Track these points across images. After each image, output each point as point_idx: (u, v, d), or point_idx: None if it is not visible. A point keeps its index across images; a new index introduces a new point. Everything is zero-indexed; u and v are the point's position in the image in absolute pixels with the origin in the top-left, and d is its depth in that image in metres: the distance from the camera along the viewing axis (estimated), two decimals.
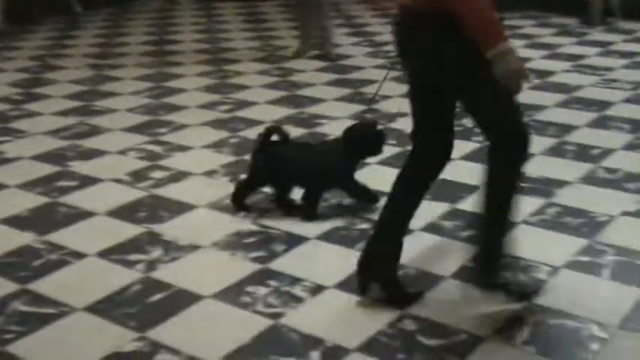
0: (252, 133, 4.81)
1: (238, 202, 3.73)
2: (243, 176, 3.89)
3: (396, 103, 5.32)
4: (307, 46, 6.64)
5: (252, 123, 5.01)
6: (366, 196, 3.68)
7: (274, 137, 3.65)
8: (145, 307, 2.93)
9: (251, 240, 3.46)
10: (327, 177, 3.62)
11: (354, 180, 3.65)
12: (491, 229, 2.77)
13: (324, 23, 6.51)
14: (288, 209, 3.70)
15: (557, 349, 2.63)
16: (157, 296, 3.01)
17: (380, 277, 2.90)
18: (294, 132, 4.82)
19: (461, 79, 2.59)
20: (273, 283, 3.09)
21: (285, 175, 3.65)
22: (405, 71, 2.83)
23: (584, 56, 6.49)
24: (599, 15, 7.54)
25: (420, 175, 2.88)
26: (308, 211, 3.63)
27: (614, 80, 5.76)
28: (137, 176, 4.20)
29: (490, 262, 2.80)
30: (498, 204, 2.73)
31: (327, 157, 3.61)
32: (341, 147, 3.61)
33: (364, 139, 3.62)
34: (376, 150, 3.65)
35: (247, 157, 4.39)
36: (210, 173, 4.22)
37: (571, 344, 2.65)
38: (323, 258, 3.30)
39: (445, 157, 2.87)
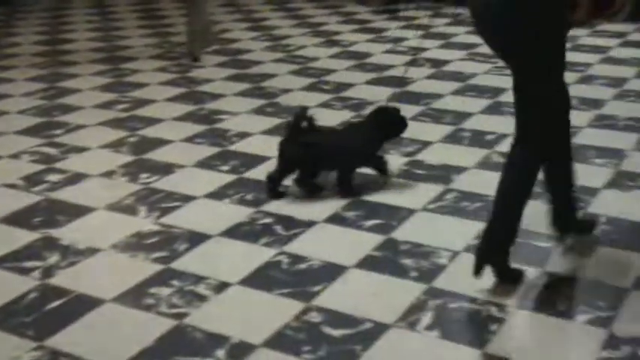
0: (152, 132, 4.72)
1: (275, 193, 3.78)
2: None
3: (297, 97, 5.33)
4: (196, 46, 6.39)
5: (150, 121, 4.92)
6: (385, 168, 3.88)
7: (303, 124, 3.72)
8: (42, 315, 2.83)
9: (152, 240, 3.38)
10: (358, 158, 3.81)
11: (378, 156, 3.86)
12: (512, 218, 2.88)
13: (200, 21, 6.27)
14: (313, 191, 3.80)
15: (458, 331, 2.68)
16: (55, 303, 2.91)
17: (497, 264, 2.92)
18: (195, 129, 4.76)
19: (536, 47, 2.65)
20: (176, 283, 3.04)
21: (318, 160, 3.74)
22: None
23: (476, 45, 6.65)
24: None
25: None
26: (347, 191, 3.77)
27: (507, 67, 5.91)
28: (31, 180, 4.05)
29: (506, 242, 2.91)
30: (520, 194, 2.87)
31: (355, 140, 3.78)
32: (367, 129, 3.80)
33: (391, 122, 3.85)
34: (399, 132, 3.87)
35: (146, 156, 4.33)
36: (108, 174, 4.11)
37: (472, 326, 2.71)
38: (226, 255, 3.26)
39: None
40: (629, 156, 4.15)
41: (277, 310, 2.83)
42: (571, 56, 6.18)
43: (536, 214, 3.54)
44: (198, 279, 3.06)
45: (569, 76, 5.61)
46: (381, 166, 3.87)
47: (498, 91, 5.33)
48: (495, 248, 2.91)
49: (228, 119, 4.94)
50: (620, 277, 3.00)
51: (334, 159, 3.76)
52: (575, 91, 5.28)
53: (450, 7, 8.24)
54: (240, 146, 4.47)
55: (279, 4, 8.82)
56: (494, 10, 2.66)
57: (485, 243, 2.89)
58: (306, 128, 3.71)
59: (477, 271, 2.90)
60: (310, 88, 5.55)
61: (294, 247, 3.30)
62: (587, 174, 3.93)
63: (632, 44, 6.53)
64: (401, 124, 3.87)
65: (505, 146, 4.33)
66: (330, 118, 4.87)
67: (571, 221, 3.21)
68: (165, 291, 2.97)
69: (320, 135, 3.75)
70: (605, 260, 3.14)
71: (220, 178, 4.02)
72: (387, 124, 3.83)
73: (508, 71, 5.80)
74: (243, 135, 4.64)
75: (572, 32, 6.97)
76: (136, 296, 2.94)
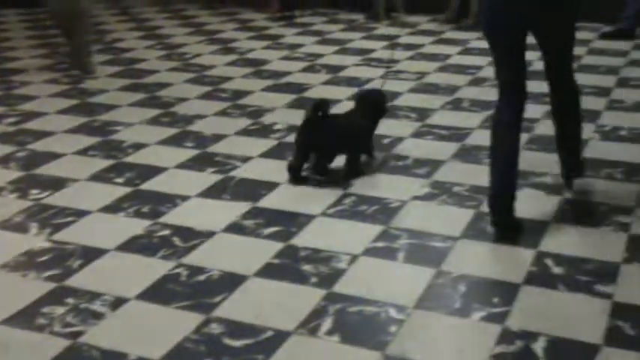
0: (42, 146, 4.56)
1: (299, 180, 3.96)
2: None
3: (194, 106, 5.26)
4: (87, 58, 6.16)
5: (41, 135, 4.76)
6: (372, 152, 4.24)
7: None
8: None
9: (44, 258, 3.27)
10: (366, 141, 4.17)
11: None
12: (579, 143, 3.62)
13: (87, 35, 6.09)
14: (324, 175, 4.01)
15: (358, 335, 2.70)
16: None
17: (516, 225, 3.35)
18: (88, 141, 4.64)
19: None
20: (70, 301, 2.94)
21: (335, 144, 4.01)
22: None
23: (372, 50, 6.74)
24: (383, 10, 7.86)
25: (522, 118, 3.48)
26: (358, 172, 4.03)
27: (401, 71, 6.01)
28: None
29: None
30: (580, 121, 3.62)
31: (362, 125, 4.11)
32: (365, 114, 4.13)
33: (379, 105, 4.20)
34: (384, 113, 4.25)
35: (37, 171, 4.19)
36: None
37: (371, 329, 2.73)
38: (123, 269, 3.18)
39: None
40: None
41: (176, 324, 2.78)
42: (461, 59, 6.34)
43: (429, 216, 3.61)
44: (94, 296, 2.97)
45: (460, 79, 5.76)
46: (372, 150, 4.23)
47: (393, 95, 5.41)
48: (513, 212, 3.34)
49: (122, 130, 4.83)
50: (512, 272, 3.09)
51: (348, 143, 4.05)
52: (466, 93, 5.42)
53: (346, 13, 8.32)
54: (135, 157, 4.38)
55: (174, 12, 8.71)
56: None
57: (507, 212, 3.31)
58: (321, 115, 3.93)
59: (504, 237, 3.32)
60: (207, 96, 5.50)
61: (193, 258, 3.25)
62: (478, 174, 4.02)
63: None
64: (385, 104, 4.23)
65: (401, 149, 4.40)
66: (227, 127, 4.84)
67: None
68: (59, 310, 2.88)
69: (334, 121, 4.03)
70: (498, 257, 3.23)
71: (115, 191, 3.93)
72: (376, 108, 4.19)
73: (402, 75, 5.90)
74: (138, 146, 4.55)
75: (463, 36, 7.16)
76: (27, 317, 2.83)
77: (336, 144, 4.02)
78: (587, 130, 4.61)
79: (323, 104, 3.93)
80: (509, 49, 3.39)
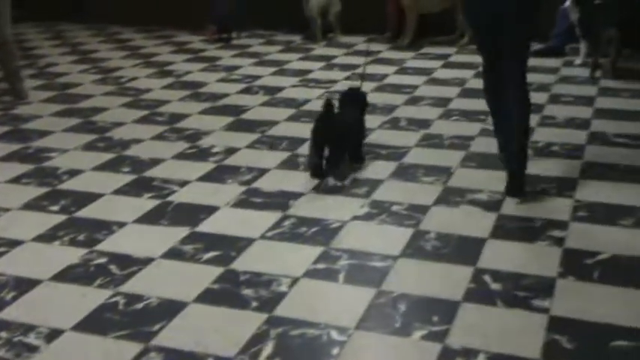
0: None
1: (320, 174, 4.22)
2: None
3: (130, 130, 5.19)
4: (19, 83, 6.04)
5: None
6: None
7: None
8: None
9: None
10: (362, 133, 4.57)
11: None
12: (524, 150, 3.98)
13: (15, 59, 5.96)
14: (340, 168, 4.31)
15: (300, 359, 2.68)
16: None
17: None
18: (21, 169, 4.53)
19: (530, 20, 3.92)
20: (3, 334, 2.86)
21: (347, 139, 4.38)
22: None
23: (309, 71, 6.76)
24: (320, 31, 7.90)
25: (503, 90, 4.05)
26: (362, 158, 4.49)
27: (338, 92, 6.03)
28: None
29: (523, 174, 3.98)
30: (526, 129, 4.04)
31: (360, 120, 4.51)
32: (357, 111, 4.48)
33: (363, 101, 4.57)
34: (367, 105, 4.63)
35: None
36: None
37: (313, 352, 2.72)
38: (58, 300, 3.11)
39: None
40: (454, 173, 4.33)
41: (114, 355, 2.72)
42: (398, 79, 6.42)
43: (369, 235, 3.62)
44: (28, 328, 2.89)
45: (397, 98, 5.81)
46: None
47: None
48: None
49: (57, 157, 4.74)
50: (451, 290, 3.11)
51: (354, 137, 4.44)
52: (404, 112, 5.47)
53: (283, 34, 8.34)
54: (70, 184, 4.30)
55: (109, 36, 8.60)
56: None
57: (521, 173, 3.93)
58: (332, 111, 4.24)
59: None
60: (143, 120, 5.44)
61: (131, 286, 3.20)
62: (417, 192, 4.06)
63: (454, 65, 6.87)
64: (367, 100, 4.62)
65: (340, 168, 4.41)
66: (164, 151, 4.78)
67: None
68: None
69: (341, 117, 4.37)
70: (437, 275, 3.26)
71: (50, 219, 3.84)
72: (362, 103, 4.55)
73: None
74: (73, 172, 4.47)
75: (399, 56, 7.25)
76: None
77: (346, 137, 4.38)
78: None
79: (332, 102, 4.28)
80: (484, 36, 4.13)
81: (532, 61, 6.79)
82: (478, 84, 6.11)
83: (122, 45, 8.11)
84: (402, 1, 7.53)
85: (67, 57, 7.56)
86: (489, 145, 4.74)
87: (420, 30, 7.75)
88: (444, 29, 7.72)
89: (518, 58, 4.02)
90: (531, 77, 6.26)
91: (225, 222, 3.79)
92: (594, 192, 4.02)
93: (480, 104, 5.57)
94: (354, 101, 4.52)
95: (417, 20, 7.59)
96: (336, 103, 4.37)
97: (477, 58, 6.89)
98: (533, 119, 5.22)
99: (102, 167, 4.55)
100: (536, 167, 4.37)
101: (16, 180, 4.37)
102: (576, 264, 3.29)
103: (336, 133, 4.24)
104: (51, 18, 9.37)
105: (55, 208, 3.98)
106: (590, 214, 3.77)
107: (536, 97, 5.72)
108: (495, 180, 4.17)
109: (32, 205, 4.02)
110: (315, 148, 4.20)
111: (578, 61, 6.68)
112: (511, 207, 3.86)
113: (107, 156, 4.73)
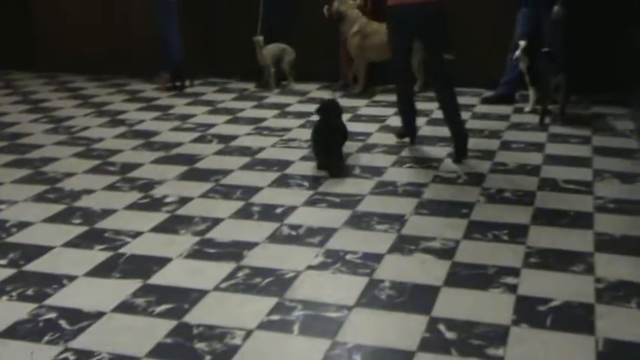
0: None
1: (327, 166, 5.24)
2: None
3: (81, 181, 5.14)
4: None
5: None
6: None
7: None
8: None
9: None
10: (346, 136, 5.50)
11: None
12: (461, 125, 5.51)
13: None
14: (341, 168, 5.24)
15: None
16: None
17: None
18: None
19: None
20: None
21: (339, 136, 5.35)
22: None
23: (263, 119, 6.80)
24: (274, 79, 7.97)
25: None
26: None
27: (292, 140, 6.08)
28: None
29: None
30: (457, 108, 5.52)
31: (342, 123, 5.51)
32: (333, 118, 5.37)
33: (338, 107, 5.51)
34: (342, 112, 5.61)
35: None
36: None
37: None
38: (6, 357, 3.03)
39: None
40: (408, 220, 4.37)
41: None
42: (352, 126, 6.47)
43: (323, 285, 3.62)
44: None
45: (351, 145, 5.87)
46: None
47: (285, 163, 5.46)
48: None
49: (5, 209, 4.66)
50: (406, 339, 3.12)
51: (344, 137, 5.41)
52: (358, 160, 5.52)
53: (237, 82, 8.39)
54: (19, 237, 4.23)
55: (60, 84, 8.55)
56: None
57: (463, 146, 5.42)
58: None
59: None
60: (95, 170, 5.39)
61: (81, 341, 3.14)
62: (371, 240, 4.09)
63: None
64: (340, 108, 5.54)
65: (294, 218, 4.42)
66: (116, 201, 4.74)
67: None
68: None
69: (337, 121, 5.37)
70: (392, 325, 3.26)
71: None
72: (338, 111, 5.45)
73: (293, 144, 5.96)
74: (23, 225, 4.40)
75: (352, 103, 7.33)
76: None
77: (341, 137, 5.34)
78: (474, 193, 4.78)
79: (329, 108, 5.34)
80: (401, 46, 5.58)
81: (483, 109, 7.02)
82: (431, 131, 6.25)
83: (74, 94, 8.06)
84: (350, 50, 7.64)
85: (18, 106, 7.48)
86: (442, 193, 4.82)
87: (371, 78, 7.87)
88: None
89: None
90: (482, 124, 6.43)
91: (178, 274, 3.76)
92: (545, 238, 4.09)
93: (433, 152, 5.69)
94: (334, 109, 5.43)
95: (366, 68, 7.70)
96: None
97: (430, 106, 7.07)
98: (485, 165, 5.34)
99: (52, 219, 4.49)
100: (487, 213, 4.43)
101: None
102: (529, 311, 3.33)
103: (334, 133, 5.27)
104: (1, 66, 9.30)
105: (4, 262, 3.91)
106: (542, 260, 3.83)
107: (487, 144, 5.86)
108: (448, 227, 4.23)
109: None
110: (320, 151, 5.26)
111: (527, 108, 6.84)
112: (464, 254, 3.90)
113: (58, 207, 4.67)
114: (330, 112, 5.39)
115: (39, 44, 9.22)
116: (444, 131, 6.12)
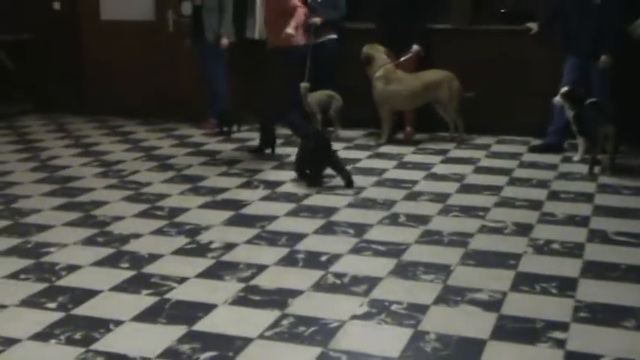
0: None
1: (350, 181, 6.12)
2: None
3: (130, 225, 5.23)
4: None
5: None
6: None
7: None
8: None
9: None
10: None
11: None
12: None
13: None
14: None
15: None
16: None
17: None
18: (19, 264, 4.54)
19: None
20: None
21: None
22: None
23: None
24: (320, 126, 8.03)
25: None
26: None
27: (338, 186, 6.11)
28: None
29: None
30: None
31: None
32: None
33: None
34: None
35: None
36: None
37: None
38: None
39: None
40: (454, 271, 4.35)
41: None
42: (397, 174, 6.50)
43: (368, 336, 3.60)
44: None
45: (396, 193, 5.87)
46: None
47: (331, 210, 5.48)
48: None
49: (56, 252, 4.76)
50: None
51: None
52: (403, 208, 5.52)
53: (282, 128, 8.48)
54: (69, 280, 4.31)
55: (111, 129, 8.75)
56: None
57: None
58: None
59: None
60: (143, 214, 5.48)
61: None
62: (416, 290, 4.07)
63: (453, 161, 6.96)
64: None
65: (339, 266, 4.43)
66: (163, 246, 4.80)
67: None
68: None
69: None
70: None
71: (47, 317, 3.83)
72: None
73: (339, 190, 5.99)
74: (72, 268, 4.48)
75: (398, 150, 7.35)
76: None
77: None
78: (522, 244, 4.74)
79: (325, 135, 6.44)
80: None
81: (531, 157, 6.97)
82: (477, 179, 6.24)
83: (124, 138, 8.24)
84: (373, 95, 7.69)
85: (70, 149, 7.67)
86: (489, 243, 4.78)
87: (419, 125, 7.91)
88: (442, 125, 7.85)
89: None
90: (530, 173, 6.39)
91: (223, 320, 3.78)
92: (595, 292, 4.02)
93: (480, 200, 5.66)
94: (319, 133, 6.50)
95: (389, 117, 7.72)
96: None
97: (476, 154, 7.07)
98: (533, 215, 5.29)
99: (101, 262, 4.56)
100: (535, 265, 4.39)
101: (15, 275, 4.38)
102: None
103: (332, 152, 6.13)
104: (55, 110, 9.57)
105: (53, 305, 3.98)
106: (592, 314, 3.77)
107: (535, 194, 5.81)
108: (495, 279, 4.19)
109: (30, 302, 4.02)
110: (319, 167, 6.11)
111: (576, 157, 6.79)
112: (511, 307, 3.86)
113: (106, 251, 4.75)
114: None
115: (90, 89, 9.51)
116: (492, 179, 6.10)
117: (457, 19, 8.10)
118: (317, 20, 7.94)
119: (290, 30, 6.68)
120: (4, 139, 8.25)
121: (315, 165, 6.16)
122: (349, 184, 6.06)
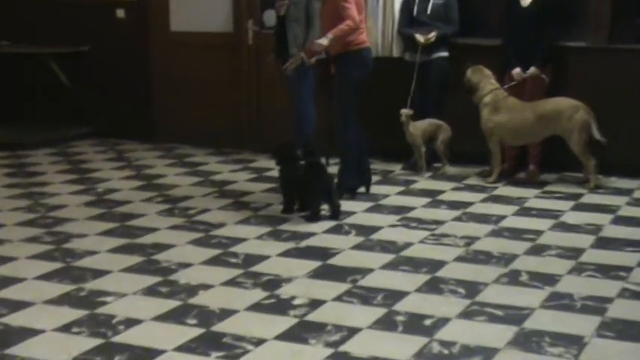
0: (18, 319, 4.62)
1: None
2: None
3: (198, 273, 5.33)
4: None
5: (17, 305, 4.81)
6: None
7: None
8: None
9: None
10: None
11: None
12: None
13: None
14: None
15: None
16: None
17: None
18: (72, 315, 4.68)
19: None
20: None
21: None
22: None
23: (411, 208, 6.84)
24: (424, 161, 8.03)
25: None
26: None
27: (446, 235, 6.10)
28: None
29: None
30: None
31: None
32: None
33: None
34: None
35: (9, 350, 4.22)
36: None
37: None
38: None
39: None
40: (589, 344, 4.27)
41: None
42: (518, 222, 6.43)
43: None
44: None
45: (517, 246, 5.81)
46: None
47: (437, 264, 5.47)
48: None
49: (113, 302, 4.89)
50: None
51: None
52: (525, 264, 5.46)
53: (379, 162, 8.52)
54: (127, 336, 4.42)
55: (178, 158, 8.94)
56: None
57: None
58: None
59: None
60: (214, 261, 5.59)
61: None
62: None
63: (587, 208, 6.85)
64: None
65: (447, 333, 4.41)
66: (236, 300, 4.88)
67: None
68: None
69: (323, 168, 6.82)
70: None
71: None
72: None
73: (447, 240, 5.98)
74: (131, 322, 4.60)
75: (518, 193, 7.29)
76: None
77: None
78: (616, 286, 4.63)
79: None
80: None
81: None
82: (617, 232, 6.12)
83: (192, 169, 8.42)
84: (481, 125, 7.66)
85: (130, 182, 7.88)
86: (632, 311, 4.68)
87: (545, 163, 7.83)
88: (575, 163, 7.74)
89: None
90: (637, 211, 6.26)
91: None
92: None
93: (620, 257, 5.55)
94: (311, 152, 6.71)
95: (499, 151, 7.67)
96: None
97: (616, 200, 6.94)
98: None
99: (164, 317, 4.67)
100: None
101: (66, 328, 4.52)
102: None
103: (329, 178, 6.67)
104: (114, 135, 9.84)
105: None
106: None
107: None
108: (639, 356, 4.09)
109: None
110: (318, 198, 6.52)
111: None
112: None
113: (171, 304, 4.85)
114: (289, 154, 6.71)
115: (155, 110, 9.75)
116: (635, 233, 5.99)
117: (594, 35, 8.01)
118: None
119: (322, 40, 6.82)
120: (56, 168, 8.56)
121: (314, 195, 6.55)
122: (335, 215, 6.51)
